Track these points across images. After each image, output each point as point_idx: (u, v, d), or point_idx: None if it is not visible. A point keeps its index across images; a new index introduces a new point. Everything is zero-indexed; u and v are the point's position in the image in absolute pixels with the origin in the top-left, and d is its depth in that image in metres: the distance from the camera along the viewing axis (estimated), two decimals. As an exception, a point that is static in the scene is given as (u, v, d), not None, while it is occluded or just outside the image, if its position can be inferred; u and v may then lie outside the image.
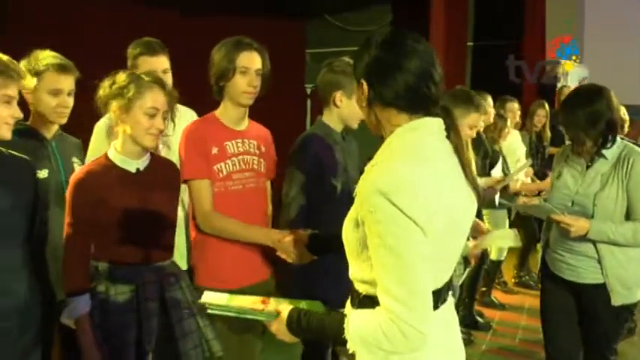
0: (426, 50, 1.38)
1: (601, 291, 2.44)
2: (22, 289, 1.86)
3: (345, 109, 2.42)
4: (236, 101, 2.32)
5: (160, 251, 2.15)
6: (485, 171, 3.96)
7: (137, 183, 2.08)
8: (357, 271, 1.41)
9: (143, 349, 2.01)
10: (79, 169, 2.16)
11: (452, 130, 1.42)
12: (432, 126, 1.39)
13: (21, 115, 1.85)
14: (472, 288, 4.25)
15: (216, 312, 1.54)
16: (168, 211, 2.20)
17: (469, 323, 4.19)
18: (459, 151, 1.42)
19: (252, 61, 2.27)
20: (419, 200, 1.26)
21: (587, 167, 2.52)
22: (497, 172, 4.04)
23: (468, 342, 3.98)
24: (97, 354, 1.97)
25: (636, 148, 2.48)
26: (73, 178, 2.07)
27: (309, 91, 7.17)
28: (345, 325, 1.35)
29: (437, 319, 1.36)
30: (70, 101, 2.37)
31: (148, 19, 5.57)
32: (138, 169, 2.11)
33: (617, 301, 2.43)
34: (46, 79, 2.30)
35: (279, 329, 1.47)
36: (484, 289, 4.64)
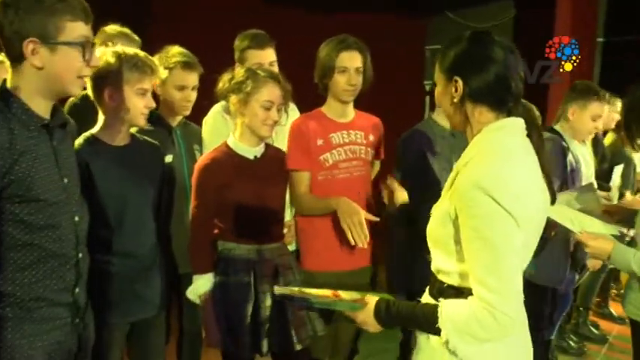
0: (509, 45, 1.45)
1: None
2: (151, 253, 2.11)
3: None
4: (337, 98, 2.45)
5: (274, 232, 2.34)
6: (603, 176, 3.73)
7: (255, 169, 2.26)
8: (442, 263, 1.46)
9: (258, 325, 2.19)
10: (203, 156, 2.37)
11: (533, 129, 1.47)
12: (516, 125, 1.45)
13: (154, 105, 2.08)
14: (587, 297, 4.04)
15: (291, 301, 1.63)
16: (282, 195, 2.40)
17: (582, 333, 4.00)
18: (538, 150, 1.47)
19: (351, 60, 2.38)
20: (514, 194, 1.32)
21: None
22: (615, 177, 3.78)
23: (580, 353, 3.81)
24: (216, 329, 2.19)
25: None
26: (199, 164, 2.27)
27: (427, 87, 7.13)
28: (437, 314, 1.40)
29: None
30: (194, 95, 2.61)
31: (271, 17, 5.86)
32: (255, 157, 2.29)
33: None
34: (174, 74, 2.54)
35: (367, 320, 1.53)
36: (598, 299, 4.39)
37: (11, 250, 1.51)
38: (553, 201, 1.51)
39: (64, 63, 1.53)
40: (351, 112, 2.54)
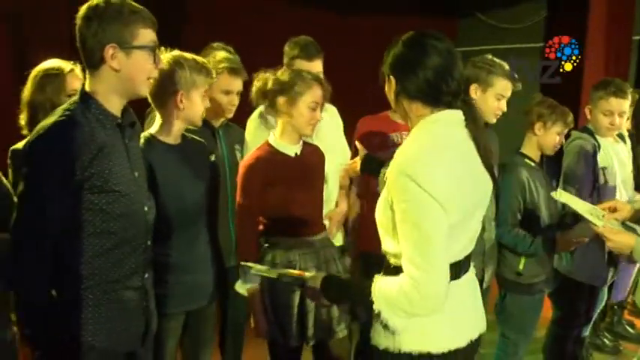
0: (447, 49, 1.57)
1: None
2: (205, 246, 2.27)
3: (479, 102, 2.56)
4: None
5: (317, 224, 2.47)
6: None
7: (296, 165, 2.38)
8: (388, 246, 1.61)
9: (304, 315, 2.29)
10: (248, 155, 2.48)
11: (470, 119, 1.60)
12: (452, 117, 1.59)
13: (209, 105, 2.25)
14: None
15: (260, 274, 1.88)
16: (321, 189, 2.52)
17: (617, 332, 3.99)
18: (475, 137, 1.60)
19: None
20: (439, 181, 1.47)
21: None
22: None
23: (615, 351, 3.81)
24: (264, 320, 2.29)
25: None
26: (245, 163, 2.38)
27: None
28: (372, 288, 1.55)
29: (459, 287, 1.61)
30: (237, 99, 2.74)
31: (304, 18, 5.96)
32: (295, 154, 2.40)
33: None
34: (221, 79, 2.64)
35: (314, 292, 1.71)
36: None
37: (91, 237, 1.68)
38: (494, 183, 1.66)
39: (138, 65, 1.72)
40: None
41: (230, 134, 2.82)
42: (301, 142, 2.44)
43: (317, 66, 2.89)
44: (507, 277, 2.83)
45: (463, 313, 1.64)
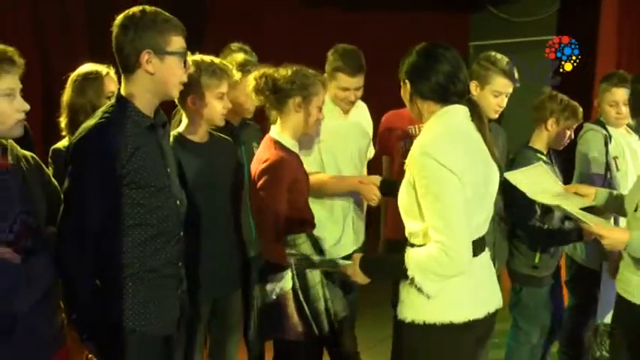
0: (454, 56, 1.85)
1: None
2: (232, 237, 2.43)
3: (478, 99, 2.52)
4: None
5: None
6: None
7: (301, 163, 2.44)
8: (411, 226, 1.83)
9: (331, 313, 2.34)
10: (270, 153, 2.37)
11: (475, 115, 1.86)
12: (459, 111, 1.85)
13: (230, 106, 2.36)
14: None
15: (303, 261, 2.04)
16: None
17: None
18: (481, 130, 1.86)
19: None
20: (455, 157, 1.71)
21: None
22: None
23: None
24: (297, 319, 2.27)
25: None
26: (273, 161, 2.28)
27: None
28: (405, 258, 1.78)
29: (476, 264, 1.80)
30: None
31: (311, 15, 6.07)
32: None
33: None
34: (243, 82, 2.63)
35: (355, 271, 1.92)
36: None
37: (130, 229, 1.82)
38: (500, 171, 1.90)
39: (170, 69, 1.87)
40: None
41: (248, 131, 2.88)
42: None
43: (358, 82, 2.84)
44: (522, 272, 2.88)
45: (480, 287, 1.85)
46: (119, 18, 1.85)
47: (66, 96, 2.49)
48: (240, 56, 2.78)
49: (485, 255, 1.91)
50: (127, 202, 1.81)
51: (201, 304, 2.30)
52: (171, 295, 1.94)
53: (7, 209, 1.73)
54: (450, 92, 1.83)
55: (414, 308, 1.81)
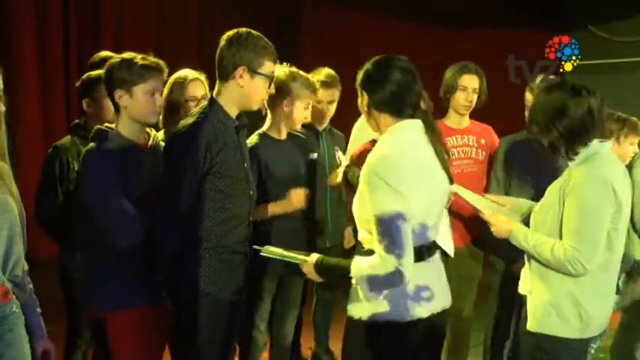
0: (408, 68, 1.95)
1: None
2: (298, 225, 2.81)
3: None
4: (456, 110, 3.07)
5: None
6: None
7: None
8: (363, 234, 1.98)
9: None
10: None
11: (428, 128, 1.97)
12: (412, 125, 1.95)
13: (309, 118, 2.83)
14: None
15: (266, 255, 2.16)
16: None
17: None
18: (433, 142, 1.96)
19: (471, 82, 2.99)
20: (401, 176, 1.83)
21: None
22: None
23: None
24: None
25: None
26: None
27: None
28: (351, 266, 1.92)
29: (427, 267, 1.95)
30: (329, 107, 3.30)
31: (399, 34, 6.28)
32: None
33: None
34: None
35: (309, 270, 2.06)
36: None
37: (211, 210, 2.21)
38: (450, 180, 2.01)
39: (257, 88, 2.24)
40: (466, 122, 3.14)
41: (331, 137, 3.38)
42: None
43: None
44: None
45: (425, 289, 1.96)
46: (228, 34, 2.22)
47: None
48: (321, 74, 3.23)
49: (435, 257, 2.02)
50: (211, 188, 2.19)
51: (268, 277, 2.70)
52: (239, 267, 2.30)
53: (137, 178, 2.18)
54: (405, 103, 1.92)
55: (357, 306, 1.95)
